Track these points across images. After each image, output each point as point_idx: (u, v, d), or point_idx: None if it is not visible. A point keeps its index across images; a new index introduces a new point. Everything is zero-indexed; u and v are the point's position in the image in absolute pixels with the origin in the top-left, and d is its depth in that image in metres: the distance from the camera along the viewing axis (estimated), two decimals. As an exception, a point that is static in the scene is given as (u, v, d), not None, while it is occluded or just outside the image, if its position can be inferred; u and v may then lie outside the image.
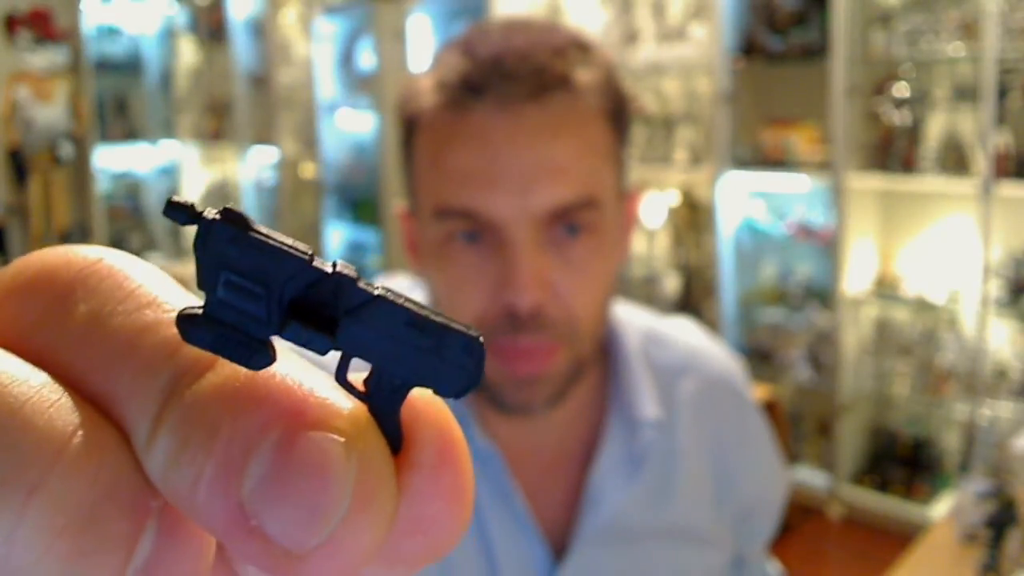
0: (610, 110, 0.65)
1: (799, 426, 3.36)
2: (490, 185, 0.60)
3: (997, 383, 2.82)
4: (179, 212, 0.17)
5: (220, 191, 6.40)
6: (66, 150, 5.80)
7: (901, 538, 2.76)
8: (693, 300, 3.56)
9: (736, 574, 0.87)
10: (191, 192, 6.64)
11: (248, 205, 5.86)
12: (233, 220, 0.17)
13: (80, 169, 6.15)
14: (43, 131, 5.72)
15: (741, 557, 0.86)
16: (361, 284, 0.17)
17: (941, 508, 2.93)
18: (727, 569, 0.85)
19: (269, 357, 0.17)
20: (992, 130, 2.66)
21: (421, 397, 0.18)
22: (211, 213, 0.17)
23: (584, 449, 0.74)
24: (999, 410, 2.76)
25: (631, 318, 0.80)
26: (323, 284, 0.17)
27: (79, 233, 5.92)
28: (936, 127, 2.88)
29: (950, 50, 2.78)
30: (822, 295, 3.25)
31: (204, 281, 0.17)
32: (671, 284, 3.58)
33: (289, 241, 0.17)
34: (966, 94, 2.82)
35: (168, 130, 6.64)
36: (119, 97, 6.68)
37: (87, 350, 0.17)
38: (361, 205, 4.95)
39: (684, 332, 0.83)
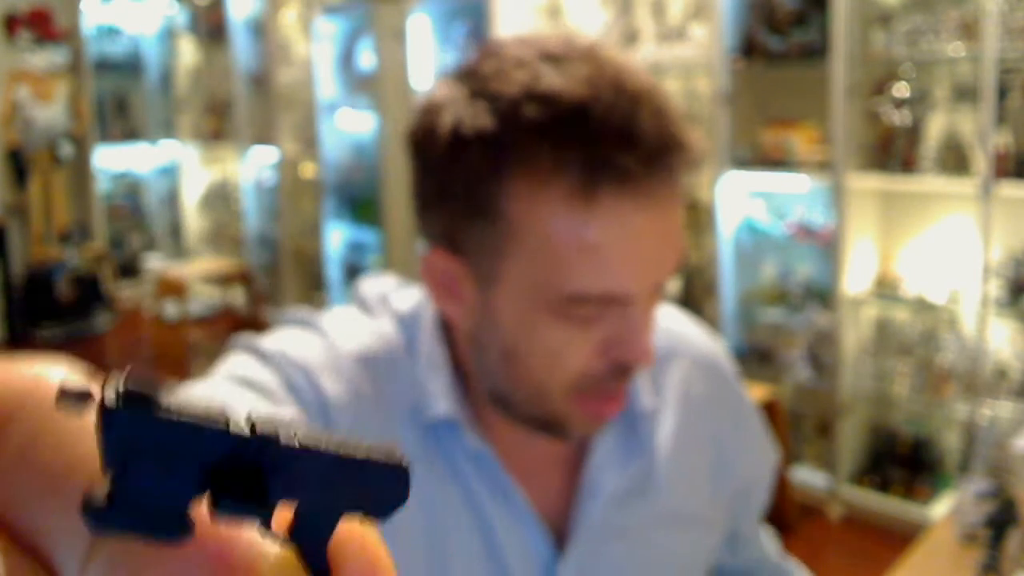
0: None
1: (799, 426, 3.36)
2: (629, 269, 0.61)
3: (997, 383, 2.82)
4: (74, 401, 0.16)
5: (220, 191, 6.41)
6: (66, 150, 5.80)
7: (901, 538, 2.76)
8: (693, 300, 3.56)
9: (731, 548, 0.89)
10: (191, 192, 6.64)
11: (248, 205, 5.86)
12: (137, 401, 0.16)
13: (80, 169, 6.15)
14: (43, 131, 5.71)
15: (736, 533, 0.88)
16: (283, 439, 0.17)
17: (941, 508, 2.93)
18: (721, 546, 0.87)
19: (189, 526, 0.16)
20: (992, 130, 2.66)
21: (346, 528, 0.18)
22: (111, 394, 0.16)
23: (579, 441, 0.75)
24: (999, 410, 2.76)
25: None
26: (245, 447, 0.16)
27: (79, 233, 5.93)
28: (936, 127, 2.88)
29: (950, 50, 2.78)
30: (822, 295, 3.25)
31: (110, 466, 0.16)
32: (671, 284, 3.58)
33: (202, 409, 0.16)
34: (966, 94, 2.82)
35: (168, 130, 6.64)
36: (119, 97, 6.68)
37: (16, 485, 0.17)
38: (361, 205, 4.94)
39: (665, 318, 0.83)
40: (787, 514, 2.93)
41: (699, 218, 3.54)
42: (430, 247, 0.67)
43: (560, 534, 0.74)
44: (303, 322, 0.74)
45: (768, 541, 0.94)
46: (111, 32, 6.56)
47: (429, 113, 0.64)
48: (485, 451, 0.70)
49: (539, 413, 0.67)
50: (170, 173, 6.77)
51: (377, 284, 0.78)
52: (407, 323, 0.74)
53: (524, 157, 0.59)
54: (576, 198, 0.59)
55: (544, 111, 0.58)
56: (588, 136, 0.58)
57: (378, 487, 0.18)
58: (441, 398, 0.70)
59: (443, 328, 0.73)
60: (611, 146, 0.58)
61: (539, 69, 0.60)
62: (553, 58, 0.61)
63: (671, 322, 0.84)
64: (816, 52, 3.04)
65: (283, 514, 0.17)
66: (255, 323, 5.56)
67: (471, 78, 0.63)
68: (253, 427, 0.17)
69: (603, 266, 0.60)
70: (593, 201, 0.59)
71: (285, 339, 0.71)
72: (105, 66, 6.44)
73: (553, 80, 0.59)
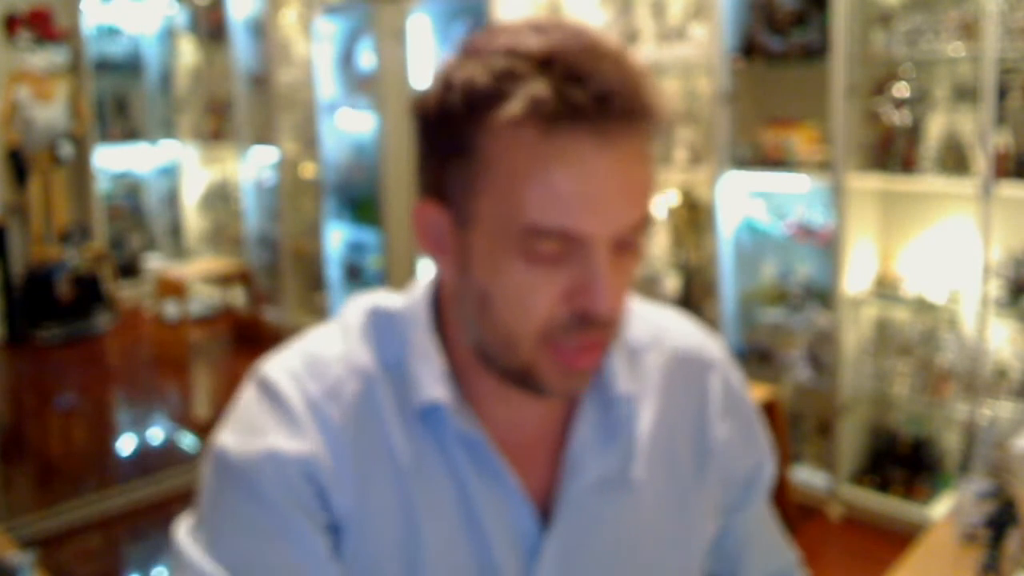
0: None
1: (799, 426, 3.36)
2: (586, 207, 0.64)
3: (997, 383, 2.82)
4: None
5: (220, 191, 6.41)
6: (66, 150, 5.80)
7: (901, 538, 2.76)
8: (693, 300, 3.56)
9: (724, 540, 0.90)
10: (191, 192, 6.64)
11: (248, 205, 5.86)
12: None
13: (80, 169, 6.14)
14: (43, 131, 5.71)
15: (730, 525, 0.89)
16: None
17: (941, 508, 2.93)
18: (716, 537, 0.88)
19: None
20: (992, 130, 2.66)
21: None
22: None
23: (563, 423, 0.79)
24: (999, 410, 2.76)
25: None
26: None
27: (79, 233, 5.93)
28: (936, 127, 2.88)
29: (950, 50, 2.78)
30: (822, 295, 3.25)
31: None
32: (671, 284, 3.58)
33: None
34: (966, 94, 2.82)
35: (168, 130, 6.64)
36: (119, 97, 6.68)
37: None
38: (361, 205, 4.94)
39: (654, 313, 0.87)
40: (787, 514, 2.93)
41: (699, 218, 3.54)
42: (421, 199, 0.72)
43: (546, 511, 0.77)
44: (264, 390, 0.75)
45: (770, 536, 0.95)
46: (111, 32, 6.56)
47: (430, 82, 0.71)
48: (475, 432, 0.73)
49: (512, 365, 0.70)
50: (170, 173, 6.77)
51: (361, 303, 0.80)
52: (391, 333, 0.77)
53: (498, 99, 0.64)
54: (539, 135, 0.64)
55: (519, 61, 0.64)
56: (552, 78, 0.63)
57: None
58: (431, 384, 0.73)
59: (437, 315, 0.77)
60: (569, 84, 0.63)
61: (523, 33, 0.66)
62: (539, 28, 0.67)
63: (659, 317, 0.87)
64: (816, 52, 3.04)
65: None
66: (255, 323, 5.56)
67: (466, 46, 0.69)
68: None
69: (559, 201, 0.64)
70: (553, 137, 0.63)
71: (258, 444, 0.72)
72: (105, 66, 6.44)
73: (532, 40, 0.65)
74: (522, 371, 0.70)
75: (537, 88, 0.63)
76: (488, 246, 0.67)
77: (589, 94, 0.63)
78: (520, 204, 0.64)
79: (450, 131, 0.67)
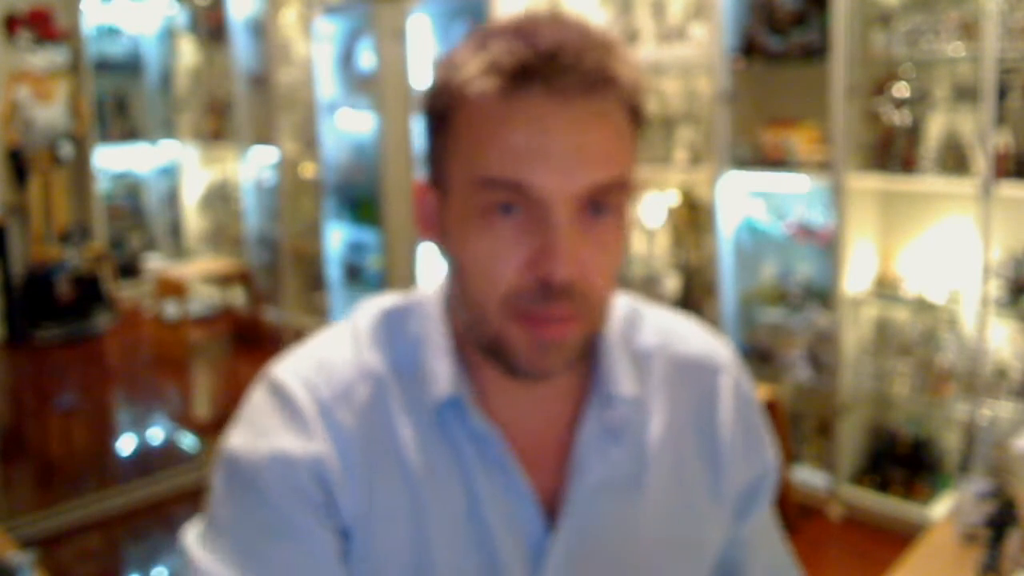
0: (636, 108, 0.70)
1: (799, 426, 3.36)
2: (539, 161, 0.65)
3: (997, 383, 2.82)
4: None
5: (220, 191, 6.40)
6: (66, 150, 5.80)
7: (901, 538, 2.76)
8: (693, 300, 3.56)
9: (730, 549, 0.88)
10: (191, 192, 6.64)
11: (248, 205, 5.86)
12: None
13: (80, 169, 6.14)
14: (43, 131, 5.71)
15: (736, 537, 0.87)
16: None
17: (941, 508, 2.93)
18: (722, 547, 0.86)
19: None
20: (992, 130, 2.66)
21: None
22: None
23: (570, 423, 0.78)
24: (999, 410, 2.76)
25: (615, 303, 0.83)
26: None
27: (79, 233, 5.93)
28: (936, 127, 2.88)
29: (950, 50, 2.78)
30: (822, 295, 3.25)
31: None
32: (671, 284, 3.58)
33: None
34: (966, 94, 2.82)
35: (168, 130, 6.64)
36: (119, 97, 6.68)
37: None
38: (361, 205, 4.94)
39: (667, 318, 0.86)
40: (787, 514, 2.93)
41: (699, 218, 3.54)
42: (421, 182, 0.74)
43: (553, 512, 0.76)
44: (274, 392, 0.75)
45: (774, 551, 0.93)
46: (111, 32, 6.56)
47: None
48: (487, 429, 0.73)
49: (485, 337, 0.70)
50: (170, 173, 6.77)
51: (373, 306, 0.80)
52: (403, 334, 0.77)
53: (469, 69, 0.67)
54: (498, 98, 0.66)
55: (492, 39, 0.67)
56: (512, 42, 0.66)
57: None
58: (446, 379, 0.73)
59: (449, 312, 0.77)
60: (524, 45, 0.65)
61: (511, 19, 0.69)
62: (528, 15, 0.69)
63: (670, 323, 0.86)
64: (816, 52, 3.04)
65: None
66: (255, 323, 5.56)
67: (467, 37, 0.72)
68: None
69: (513, 154, 0.65)
70: (511, 99, 0.65)
71: (265, 445, 0.72)
72: (105, 66, 6.44)
73: (510, 21, 0.68)
74: (494, 343, 0.70)
75: (496, 50, 0.66)
76: (459, 214, 0.69)
77: (540, 51, 0.65)
78: (480, 163, 0.66)
79: (435, 109, 0.70)
